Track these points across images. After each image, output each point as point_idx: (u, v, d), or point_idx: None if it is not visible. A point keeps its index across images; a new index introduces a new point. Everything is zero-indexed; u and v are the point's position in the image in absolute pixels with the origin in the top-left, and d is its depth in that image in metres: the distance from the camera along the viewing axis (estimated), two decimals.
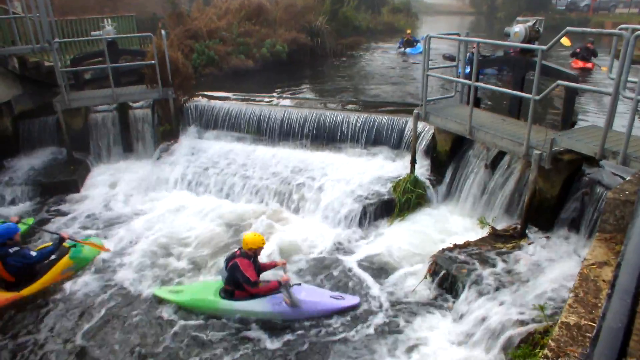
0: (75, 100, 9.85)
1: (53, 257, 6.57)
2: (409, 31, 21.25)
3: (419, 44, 19.44)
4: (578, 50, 16.00)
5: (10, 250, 6.06)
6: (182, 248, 7.31)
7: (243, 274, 5.52)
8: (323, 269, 6.76)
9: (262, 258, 6.44)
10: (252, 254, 5.67)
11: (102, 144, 10.50)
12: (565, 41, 15.03)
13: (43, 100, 10.58)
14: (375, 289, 6.25)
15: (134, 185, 9.45)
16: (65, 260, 6.68)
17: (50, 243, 6.81)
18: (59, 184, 9.31)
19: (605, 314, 1.29)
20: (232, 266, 5.60)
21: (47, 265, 6.51)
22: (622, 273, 1.44)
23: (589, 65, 15.24)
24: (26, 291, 6.24)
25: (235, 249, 5.82)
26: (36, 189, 9.20)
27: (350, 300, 5.97)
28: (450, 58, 16.32)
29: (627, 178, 4.91)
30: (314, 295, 5.88)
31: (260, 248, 5.74)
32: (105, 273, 6.78)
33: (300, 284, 6.03)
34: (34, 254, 6.31)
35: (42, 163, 9.95)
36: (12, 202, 8.94)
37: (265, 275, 6.08)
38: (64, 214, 8.61)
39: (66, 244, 6.77)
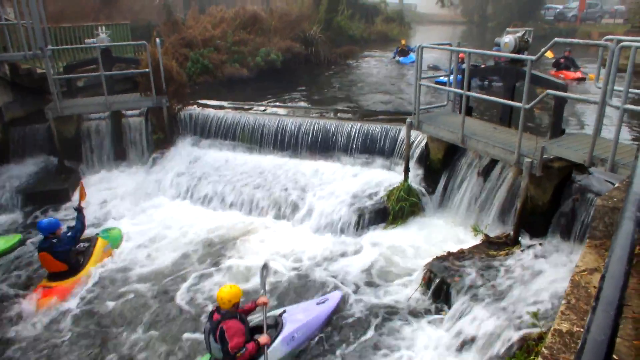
0: (68, 108, 9.82)
1: (84, 244, 7.24)
2: (403, 41, 21.42)
3: (412, 53, 19.59)
4: (562, 60, 15.90)
5: (54, 241, 6.53)
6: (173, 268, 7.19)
7: (232, 341, 4.58)
8: (316, 278, 6.75)
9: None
10: (234, 309, 4.74)
11: (94, 152, 10.46)
12: (548, 53, 15.24)
13: (34, 108, 10.54)
14: (369, 298, 6.25)
15: (126, 194, 9.42)
16: (100, 240, 7.40)
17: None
18: (49, 193, 9.23)
19: (589, 327, 1.31)
20: (221, 335, 4.60)
21: (88, 249, 7.18)
22: (605, 285, 1.46)
23: (578, 74, 15.28)
24: (82, 273, 6.81)
25: (212, 311, 4.85)
26: (26, 197, 9.13)
27: (334, 297, 5.97)
28: (435, 68, 16.52)
29: (616, 185, 4.97)
30: (303, 315, 5.59)
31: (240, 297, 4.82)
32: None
33: (284, 311, 5.58)
34: (70, 232, 6.83)
35: (32, 171, 9.86)
36: (1, 211, 8.86)
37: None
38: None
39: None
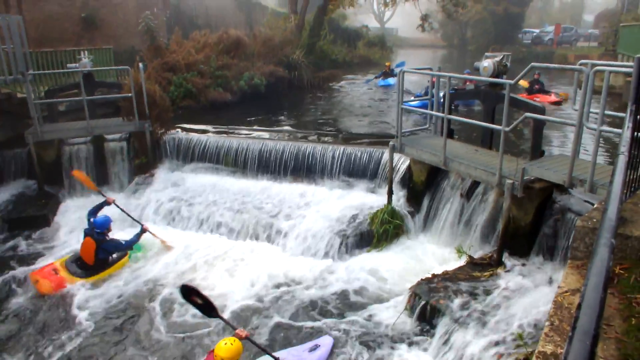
0: (48, 133, 9.73)
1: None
2: (388, 64, 21.80)
3: (390, 78, 19.87)
4: (537, 86, 15.79)
5: (107, 238, 7.18)
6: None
7: None
8: (300, 302, 6.68)
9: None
10: None
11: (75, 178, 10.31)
12: (523, 83, 15.58)
13: (14, 132, 10.39)
14: (354, 322, 6.18)
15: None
16: (126, 257, 7.71)
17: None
18: (28, 219, 9.04)
19: (566, 357, 1.32)
20: None
21: (117, 258, 7.52)
22: (582, 314, 1.48)
23: (553, 97, 15.31)
24: (92, 279, 7.13)
25: None
26: (4, 223, 8.92)
27: (325, 343, 5.65)
28: (408, 92, 16.47)
29: (595, 205, 5.05)
30: None
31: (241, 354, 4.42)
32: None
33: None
34: (123, 242, 7.44)
35: (11, 196, 9.72)
36: None
37: None
38: (33, 249, 8.37)
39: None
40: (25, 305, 6.71)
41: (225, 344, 4.22)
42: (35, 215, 9.14)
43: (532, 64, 5.94)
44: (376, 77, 21.12)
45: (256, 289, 6.98)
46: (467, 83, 14.38)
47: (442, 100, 7.66)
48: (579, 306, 1.54)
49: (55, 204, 9.72)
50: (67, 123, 10.66)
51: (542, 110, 6.57)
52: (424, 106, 9.04)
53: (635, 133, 3.47)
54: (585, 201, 6.33)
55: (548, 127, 10.30)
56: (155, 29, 15.87)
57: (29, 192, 9.94)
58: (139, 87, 9.96)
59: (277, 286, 7.08)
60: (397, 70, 19.80)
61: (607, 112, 5.37)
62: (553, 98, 15.31)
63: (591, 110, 5.32)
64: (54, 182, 10.10)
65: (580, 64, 5.49)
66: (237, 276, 7.35)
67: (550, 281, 5.90)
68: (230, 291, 6.94)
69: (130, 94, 9.80)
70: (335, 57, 26.20)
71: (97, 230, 7.16)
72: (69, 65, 10.88)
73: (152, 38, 15.56)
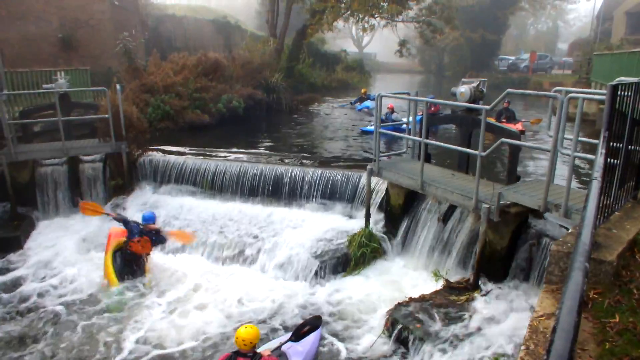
0: (23, 153, 9.55)
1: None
2: (364, 90, 22.08)
3: (368, 100, 20.14)
4: (504, 119, 14.67)
5: (153, 232, 8.02)
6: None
7: None
8: (277, 326, 6.61)
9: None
10: (252, 351, 4.80)
11: (49, 199, 10.10)
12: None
13: None
14: (331, 346, 6.14)
15: (81, 242, 9.05)
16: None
17: None
18: (0, 241, 8.80)
19: None
20: None
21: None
22: (557, 338, 1.49)
23: (519, 126, 15.01)
24: (115, 284, 7.53)
25: (230, 356, 4.81)
26: None
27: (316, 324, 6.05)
28: (372, 115, 16.33)
29: (570, 230, 5.13)
30: (301, 346, 5.68)
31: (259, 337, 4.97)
32: None
33: (284, 343, 5.61)
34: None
35: None
36: None
37: None
38: (4, 272, 8.12)
39: None
40: None
41: (245, 328, 4.81)
42: (7, 237, 8.91)
43: (508, 89, 6.08)
44: (352, 104, 21.35)
45: (232, 311, 6.92)
46: (437, 108, 14.62)
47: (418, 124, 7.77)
48: (554, 330, 1.55)
49: (29, 225, 9.49)
50: (42, 144, 10.47)
51: (517, 136, 6.71)
52: (393, 130, 9.25)
53: (608, 159, 3.56)
54: (561, 226, 6.44)
55: (523, 152, 10.50)
56: (133, 50, 15.83)
57: (1, 214, 9.68)
58: (116, 108, 9.87)
59: (252, 309, 7.00)
60: (373, 95, 20.16)
61: (581, 138, 5.51)
62: (517, 126, 15.28)
63: (565, 136, 5.44)
64: (28, 203, 9.89)
65: (555, 91, 5.63)
66: (213, 300, 7.24)
67: (527, 306, 5.95)
68: (208, 316, 6.84)
69: (107, 115, 9.70)
70: (314, 81, 26.49)
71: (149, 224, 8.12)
72: (44, 85, 10.77)
73: (129, 59, 15.50)
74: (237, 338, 4.73)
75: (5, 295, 7.38)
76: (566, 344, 1.43)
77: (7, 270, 8.24)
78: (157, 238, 8.15)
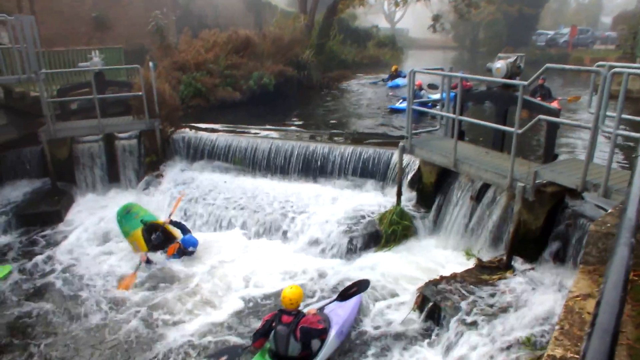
0: (61, 131, 9.83)
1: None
2: (395, 67, 21.74)
3: (399, 78, 19.80)
4: (539, 97, 13.69)
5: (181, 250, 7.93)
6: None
7: (318, 330, 5.15)
8: (309, 297, 6.70)
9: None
10: (296, 310, 5.21)
11: (87, 175, 10.43)
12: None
13: (27, 130, 10.48)
14: (362, 319, 6.20)
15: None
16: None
17: None
18: (42, 215, 9.18)
19: (585, 353, 1.30)
20: (303, 332, 5.04)
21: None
22: (601, 312, 1.45)
23: (555, 104, 14.26)
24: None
25: (276, 315, 5.23)
26: (19, 219, 9.07)
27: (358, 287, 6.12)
28: (434, 87, 16.13)
29: (609, 210, 4.99)
30: (342, 310, 5.86)
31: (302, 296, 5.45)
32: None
33: (324, 306, 5.90)
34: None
35: (25, 193, 9.87)
36: None
37: None
38: (47, 245, 8.47)
39: None
40: None
41: (291, 288, 5.22)
42: (49, 210, 9.28)
43: (547, 64, 5.86)
44: (383, 81, 21.07)
45: (269, 282, 7.13)
46: (469, 85, 14.19)
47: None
48: (598, 303, 1.51)
49: (68, 200, 9.83)
50: (79, 121, 10.76)
51: (556, 113, 6.51)
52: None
53: None
54: (598, 207, 6.26)
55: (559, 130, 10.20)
56: (165, 28, 15.93)
57: (43, 189, 10.06)
58: (149, 86, 10.01)
59: (284, 284, 7.09)
60: (404, 72, 19.84)
61: (625, 115, 5.29)
62: (556, 105, 14.66)
63: (607, 113, 5.23)
64: (67, 179, 10.24)
65: (598, 66, 5.41)
66: (252, 272, 7.45)
67: (560, 286, 5.85)
68: (249, 285, 7.15)
69: (140, 93, 9.85)
70: (345, 57, 26.16)
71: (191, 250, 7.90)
72: (80, 64, 10.95)
73: (161, 37, 15.61)
74: (283, 297, 5.13)
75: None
76: (611, 318, 1.40)
77: (51, 243, 8.58)
78: (177, 253, 7.96)
